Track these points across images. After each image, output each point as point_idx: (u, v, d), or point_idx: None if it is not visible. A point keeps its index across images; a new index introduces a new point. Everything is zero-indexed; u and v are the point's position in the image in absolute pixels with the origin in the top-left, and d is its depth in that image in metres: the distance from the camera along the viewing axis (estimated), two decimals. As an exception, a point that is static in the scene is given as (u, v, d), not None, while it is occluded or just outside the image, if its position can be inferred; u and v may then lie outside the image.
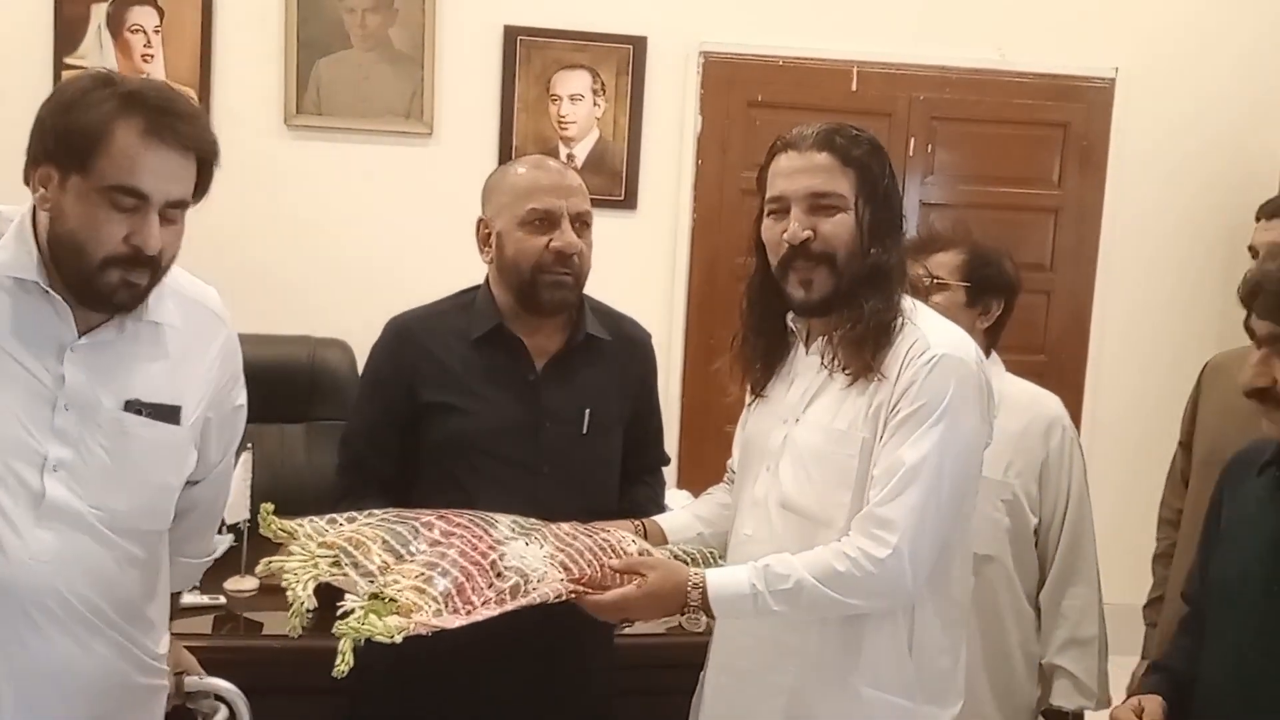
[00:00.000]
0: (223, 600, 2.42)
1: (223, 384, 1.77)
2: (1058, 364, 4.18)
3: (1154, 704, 1.70)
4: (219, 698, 1.88)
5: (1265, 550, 1.62)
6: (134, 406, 1.62)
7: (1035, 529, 2.32)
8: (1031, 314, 4.18)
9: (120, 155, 1.51)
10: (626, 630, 2.34)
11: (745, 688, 1.84)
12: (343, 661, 1.45)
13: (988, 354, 2.39)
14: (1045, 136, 4.18)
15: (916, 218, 4.12)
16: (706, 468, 2.19)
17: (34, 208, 1.59)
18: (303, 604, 1.49)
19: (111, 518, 1.60)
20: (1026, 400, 2.35)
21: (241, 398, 1.82)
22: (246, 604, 2.43)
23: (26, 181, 1.59)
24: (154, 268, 1.57)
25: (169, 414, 1.65)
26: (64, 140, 1.51)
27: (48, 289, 1.57)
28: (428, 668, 2.04)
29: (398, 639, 1.47)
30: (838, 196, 1.76)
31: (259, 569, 1.61)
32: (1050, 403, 2.37)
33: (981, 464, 1.81)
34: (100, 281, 1.54)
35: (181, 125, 1.55)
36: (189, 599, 2.29)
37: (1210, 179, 4.18)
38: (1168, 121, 4.15)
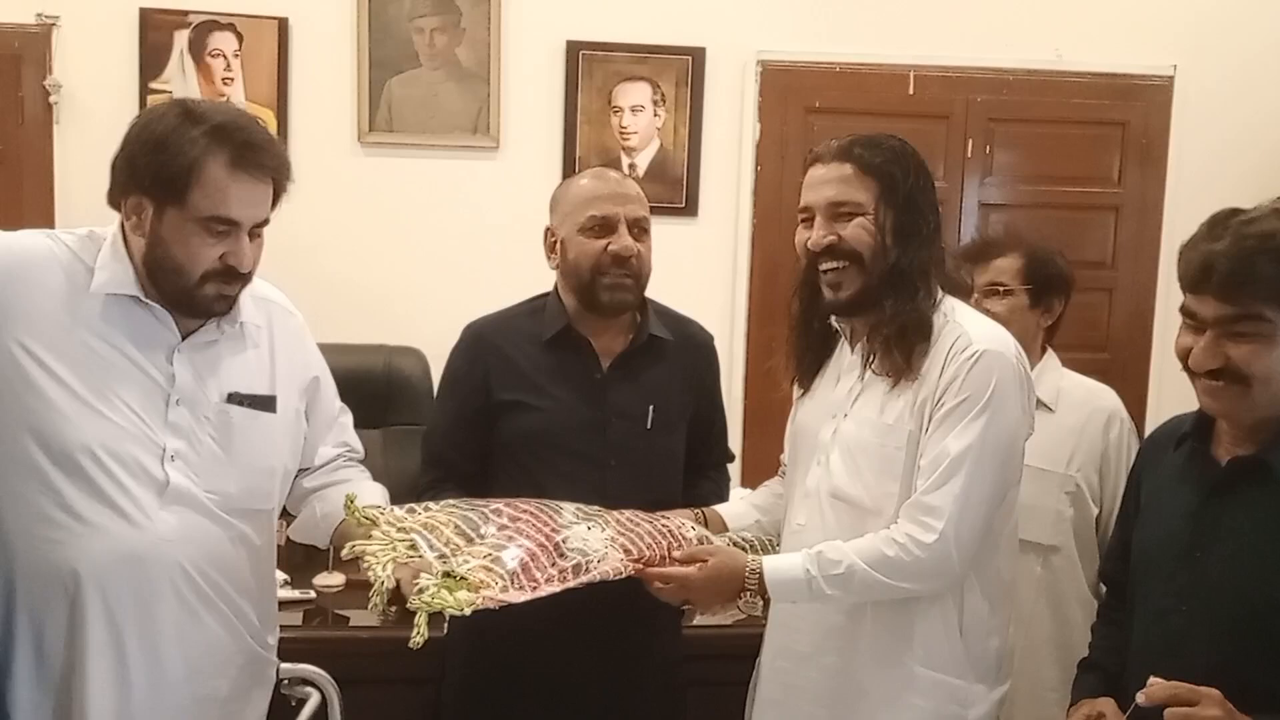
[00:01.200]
0: (312, 595, 2.54)
1: (306, 362, 1.93)
2: (1120, 362, 4.18)
3: (1109, 706, 1.73)
4: (311, 684, 1.99)
5: (1183, 517, 1.66)
6: (235, 398, 1.78)
7: (1096, 519, 2.38)
8: (1093, 312, 4.19)
9: (212, 189, 1.66)
10: (697, 622, 2.43)
11: (800, 670, 1.93)
12: (418, 633, 1.56)
13: (1043, 351, 2.45)
14: (1104, 135, 4.18)
15: (976, 219, 4.16)
16: (769, 468, 2.26)
17: (122, 227, 1.74)
18: (383, 583, 1.60)
19: (224, 500, 1.75)
20: (1085, 394, 2.41)
21: (317, 370, 1.96)
22: (335, 599, 2.56)
23: (114, 205, 1.74)
24: (245, 279, 1.75)
25: (266, 403, 1.82)
26: (159, 178, 1.66)
27: (147, 302, 1.72)
28: (505, 657, 2.14)
29: (467, 611, 1.59)
30: (854, 204, 1.85)
31: (345, 552, 1.73)
32: (1108, 396, 2.42)
33: (1023, 453, 1.87)
34: (199, 295, 1.71)
35: (262, 156, 1.70)
36: (281, 594, 2.41)
37: (1271, 173, 4.14)
38: (1227, 117, 4.14)
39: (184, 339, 1.76)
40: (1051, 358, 2.46)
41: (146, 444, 1.70)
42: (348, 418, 2.04)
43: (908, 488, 1.82)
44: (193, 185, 1.66)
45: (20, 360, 1.65)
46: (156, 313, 1.74)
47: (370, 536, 1.70)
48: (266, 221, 1.76)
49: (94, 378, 1.68)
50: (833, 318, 1.97)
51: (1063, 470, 2.34)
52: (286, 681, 1.96)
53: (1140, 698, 1.50)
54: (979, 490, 1.77)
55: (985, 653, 1.87)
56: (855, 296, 1.86)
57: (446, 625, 2.26)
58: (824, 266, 1.87)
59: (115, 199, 1.73)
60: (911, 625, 1.84)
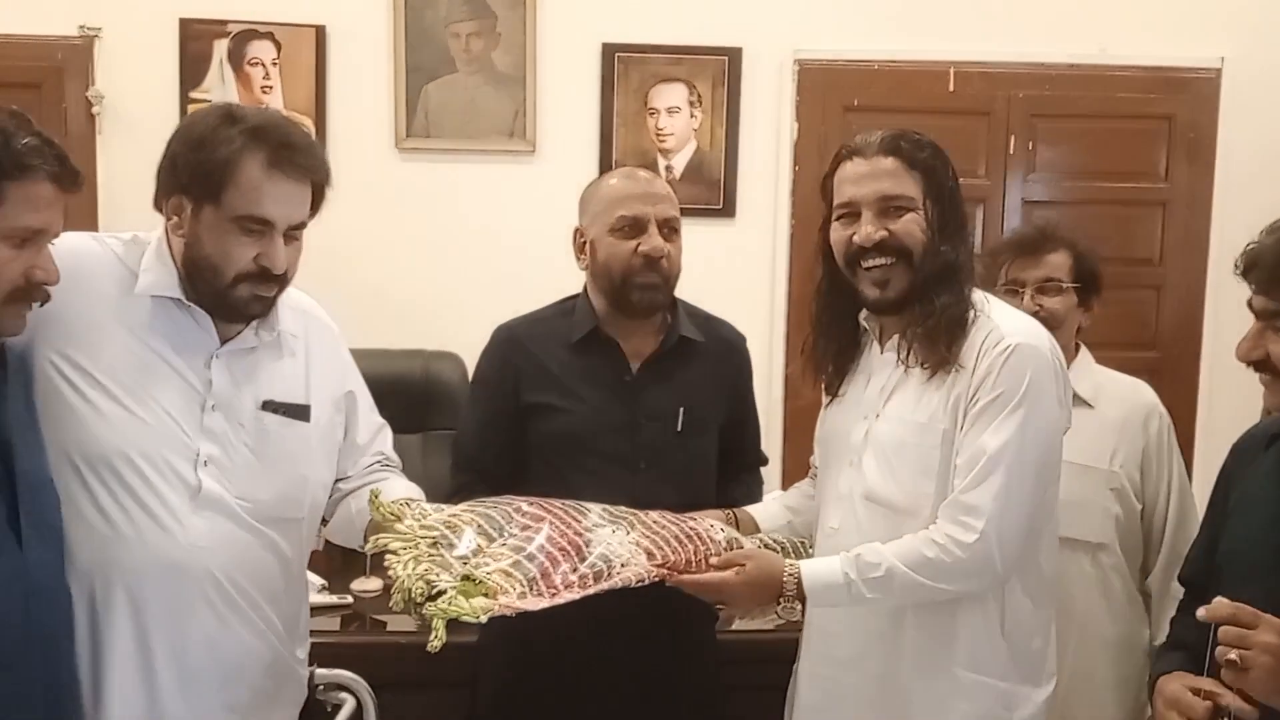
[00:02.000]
0: (349, 600, 2.55)
1: (341, 375, 1.93)
2: (1170, 360, 4.10)
3: (1206, 683, 1.68)
4: (346, 689, 1.99)
5: (1276, 521, 1.61)
6: (270, 406, 1.78)
7: (1140, 514, 2.35)
8: (1141, 309, 4.12)
9: (248, 188, 1.67)
10: (735, 626, 2.40)
11: (840, 675, 1.90)
12: (435, 637, 1.55)
13: (1077, 349, 2.41)
14: (1150, 130, 4.10)
15: (1019, 216, 4.09)
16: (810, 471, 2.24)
17: (166, 230, 1.75)
18: (403, 581, 1.59)
19: (256, 507, 1.75)
20: (1123, 390, 2.38)
21: (352, 384, 1.96)
22: (371, 604, 2.56)
23: (158, 208, 1.76)
24: (280, 282, 1.75)
25: (301, 412, 1.82)
26: (196, 175, 1.67)
27: (189, 304, 1.73)
28: (539, 661, 2.13)
29: (483, 619, 1.57)
30: (906, 199, 1.82)
31: (368, 546, 1.73)
32: (1145, 391, 2.40)
33: (1061, 447, 1.84)
34: (233, 296, 1.72)
35: (299, 157, 1.71)
36: (318, 599, 2.42)
37: (1324, 166, 4.06)
38: (1276, 109, 4.04)
39: (222, 345, 1.77)
40: (1086, 355, 2.43)
41: (180, 448, 1.71)
42: (387, 432, 2.04)
43: (944, 487, 1.78)
44: (228, 183, 1.67)
45: (59, 364, 1.67)
46: (197, 316, 1.75)
47: (394, 531, 1.69)
48: (304, 224, 1.76)
49: (132, 381, 1.69)
50: (861, 317, 1.94)
51: (1106, 466, 2.32)
52: (322, 687, 1.96)
53: (1201, 612, 1.47)
54: (1019, 487, 1.74)
55: (1029, 653, 1.84)
56: (903, 293, 1.83)
57: (479, 630, 2.26)
58: (870, 263, 1.83)
59: (159, 201, 1.75)
60: (954, 627, 1.81)
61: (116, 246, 1.77)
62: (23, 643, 1.54)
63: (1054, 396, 1.79)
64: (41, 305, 1.60)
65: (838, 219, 1.88)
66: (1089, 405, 2.31)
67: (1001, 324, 1.80)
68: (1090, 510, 2.29)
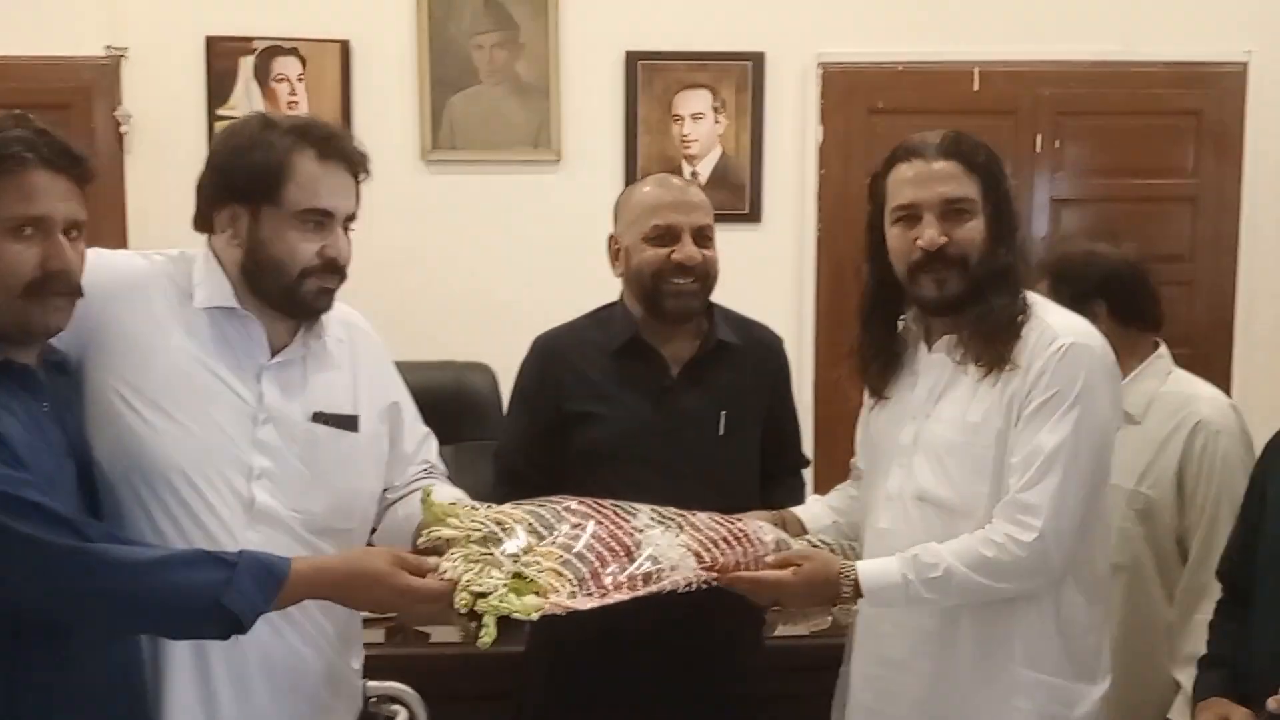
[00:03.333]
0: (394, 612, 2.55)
1: (385, 386, 1.94)
2: (1202, 356, 4.05)
3: (1240, 715, 1.67)
4: (398, 701, 2.00)
5: None
6: (320, 418, 1.78)
7: (1178, 534, 2.26)
8: (1172, 306, 4.01)
9: (305, 182, 1.70)
10: (776, 633, 2.40)
11: (893, 675, 1.90)
12: (486, 634, 1.54)
13: (1154, 348, 2.34)
14: (1177, 125, 4.08)
15: (1047, 215, 4.09)
16: (843, 475, 2.23)
17: (210, 245, 1.77)
18: (454, 580, 1.58)
19: (308, 519, 1.75)
20: (1175, 403, 2.28)
21: (397, 395, 1.96)
22: (417, 616, 2.55)
23: (203, 226, 1.76)
24: (342, 274, 1.77)
25: (349, 423, 1.82)
26: (250, 180, 1.69)
27: (245, 313, 1.74)
28: (584, 669, 2.13)
29: (534, 617, 1.57)
30: (969, 201, 1.83)
31: (421, 540, 1.72)
32: (1200, 406, 2.28)
33: (1113, 445, 1.84)
34: (301, 292, 1.73)
35: (345, 146, 1.75)
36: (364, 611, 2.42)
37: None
38: (1305, 102, 4.03)
39: (272, 357, 1.77)
40: (1155, 362, 2.34)
41: (234, 463, 1.71)
42: (432, 440, 2.04)
43: (998, 487, 1.79)
44: (286, 181, 1.69)
45: (114, 383, 1.67)
46: (251, 329, 1.75)
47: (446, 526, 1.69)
48: (354, 216, 1.79)
49: (185, 397, 1.69)
50: (906, 317, 1.94)
51: (1131, 486, 2.24)
52: (374, 699, 1.97)
53: (1272, 704, 1.48)
54: (1075, 486, 1.74)
55: (1085, 649, 1.84)
56: (959, 294, 1.83)
57: (523, 639, 2.26)
58: (930, 267, 1.83)
59: (205, 217, 1.75)
60: (1010, 626, 1.81)
61: (163, 263, 1.77)
62: (109, 641, 1.57)
63: (1108, 395, 1.80)
64: (75, 299, 1.58)
65: (896, 221, 1.87)
66: (1135, 421, 2.25)
67: (1054, 324, 1.81)
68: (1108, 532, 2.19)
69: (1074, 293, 2.23)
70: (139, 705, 1.64)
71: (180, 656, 1.68)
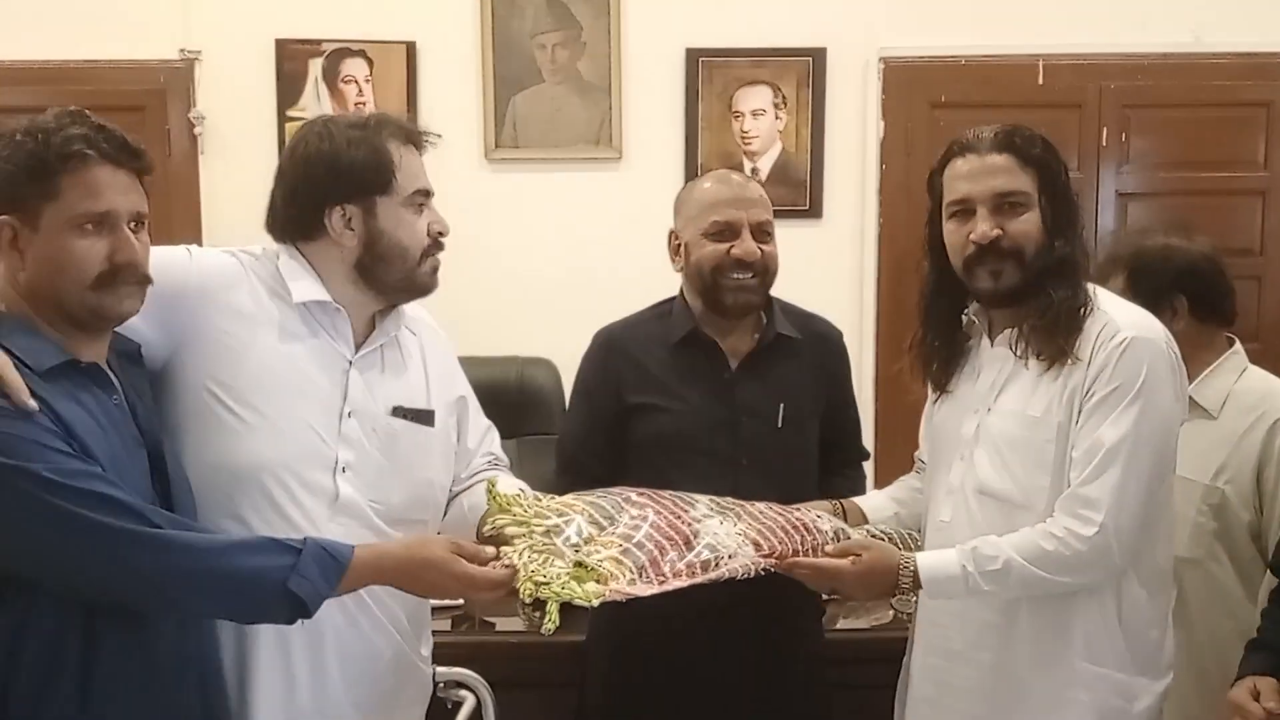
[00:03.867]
0: (460, 600, 2.59)
1: (453, 381, 1.98)
2: (1272, 351, 3.95)
3: (1268, 685, 1.70)
4: (466, 687, 2.04)
5: None
6: (399, 412, 1.83)
7: (1254, 530, 2.23)
8: (1242, 300, 3.94)
9: (408, 168, 1.78)
10: (840, 625, 2.41)
11: (952, 666, 1.90)
12: (549, 620, 1.58)
13: (1230, 344, 2.32)
14: (1247, 117, 4.00)
15: (1114, 209, 4.03)
16: (903, 469, 2.23)
17: (298, 248, 1.81)
18: (517, 570, 1.61)
19: (387, 510, 1.79)
20: (1253, 400, 2.26)
21: (463, 390, 2.00)
22: (482, 604, 2.59)
23: (308, 234, 1.79)
24: (443, 247, 1.84)
25: (426, 417, 1.86)
26: (361, 176, 1.75)
27: (338, 306, 1.79)
28: (645, 659, 2.16)
29: (595, 603, 1.60)
30: (1023, 195, 1.82)
31: (486, 528, 1.75)
32: (1275, 400, 2.25)
33: (1177, 439, 1.82)
34: (419, 273, 1.82)
35: (418, 130, 1.83)
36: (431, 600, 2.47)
37: None
38: (1379, 91, 3.94)
39: (356, 352, 1.81)
40: (1231, 358, 2.31)
41: (320, 458, 1.75)
42: (494, 433, 2.08)
43: (1059, 480, 1.78)
44: (394, 171, 1.76)
45: (206, 381, 1.71)
46: (339, 323, 1.80)
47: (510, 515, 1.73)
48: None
49: (275, 394, 1.73)
50: (969, 311, 1.94)
51: (1207, 481, 2.22)
52: (442, 685, 2.01)
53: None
54: (1136, 480, 1.74)
55: (1147, 644, 1.83)
56: (1016, 287, 1.83)
57: (587, 629, 2.30)
58: (985, 259, 1.83)
59: (310, 223, 1.78)
60: (1070, 619, 1.81)
61: (251, 261, 1.81)
62: (180, 625, 1.61)
63: (1170, 389, 1.79)
64: (145, 287, 1.61)
65: (951, 216, 1.88)
66: (1211, 416, 2.23)
67: (1116, 317, 1.80)
68: (1179, 524, 2.13)
69: (1152, 287, 2.21)
70: (214, 690, 1.68)
71: (265, 642, 1.72)
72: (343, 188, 1.76)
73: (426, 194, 1.81)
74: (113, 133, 1.57)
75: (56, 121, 1.54)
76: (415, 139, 1.81)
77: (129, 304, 1.60)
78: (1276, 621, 1.83)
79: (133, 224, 1.58)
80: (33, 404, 1.45)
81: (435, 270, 1.83)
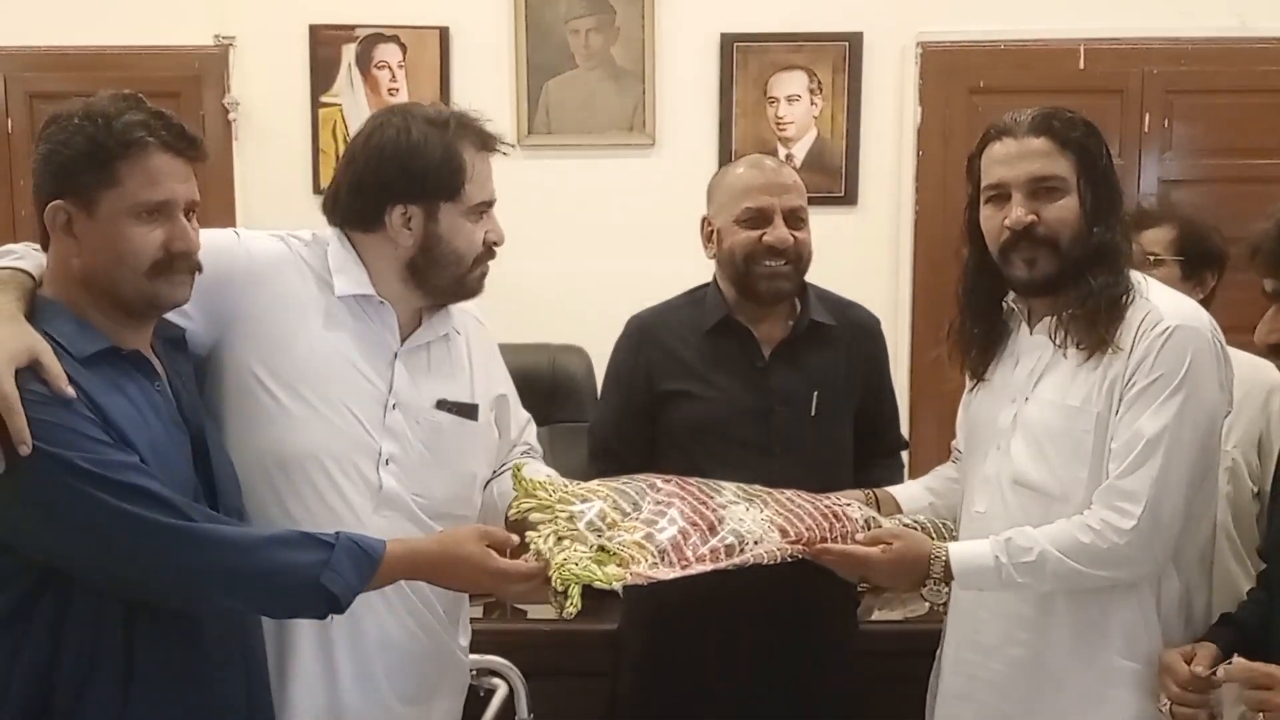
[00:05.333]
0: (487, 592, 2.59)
1: (495, 376, 1.97)
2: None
3: (1206, 650, 1.68)
4: (498, 675, 2.03)
5: None
6: (444, 405, 1.81)
7: (1255, 494, 2.28)
8: None
9: (479, 177, 1.75)
10: (874, 618, 2.38)
11: (985, 660, 1.87)
12: (571, 603, 1.56)
13: None
14: (1293, 103, 3.94)
15: (1156, 196, 3.97)
16: (940, 459, 2.20)
17: (347, 236, 1.79)
18: (544, 555, 1.61)
19: (430, 504, 1.78)
20: (1243, 370, 2.28)
21: (503, 388, 1.99)
22: (514, 594, 2.59)
23: (366, 226, 1.77)
24: (494, 256, 1.82)
25: (470, 411, 1.85)
26: (433, 180, 1.72)
27: (382, 300, 1.77)
28: (679, 650, 2.15)
29: (615, 586, 1.59)
30: (1059, 179, 1.78)
31: (512, 512, 1.75)
32: (1267, 370, 2.31)
33: (1221, 432, 1.78)
34: (470, 279, 1.80)
35: (494, 136, 1.79)
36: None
37: None
38: None
39: (402, 344, 1.80)
40: None
41: (365, 449, 1.74)
42: (532, 425, 2.07)
43: (1097, 472, 1.74)
44: (465, 178, 1.73)
45: (253, 367, 1.70)
46: (385, 316, 1.78)
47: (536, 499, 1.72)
48: None
49: (320, 383, 1.72)
50: (1009, 298, 1.90)
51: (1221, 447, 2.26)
52: (474, 673, 2.00)
53: (1220, 672, 1.54)
54: (1178, 473, 1.69)
55: (1187, 641, 1.78)
56: (1051, 276, 1.80)
57: (619, 618, 2.28)
58: (1020, 246, 1.80)
59: (370, 217, 1.76)
60: (1107, 614, 1.77)
61: (300, 247, 1.79)
62: (223, 619, 1.61)
63: (1215, 380, 1.74)
64: (194, 274, 1.60)
65: (987, 201, 1.84)
66: None
67: (1160, 305, 1.76)
68: None
69: (1200, 251, 2.35)
70: (257, 684, 1.68)
71: (305, 635, 1.72)
72: (411, 188, 1.73)
73: (490, 204, 1.79)
74: (170, 120, 1.56)
75: (115, 107, 1.53)
76: (491, 145, 1.78)
77: (182, 292, 1.59)
78: (1254, 601, 1.80)
79: (188, 212, 1.58)
80: (71, 391, 1.44)
81: (484, 276, 1.81)
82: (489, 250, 1.80)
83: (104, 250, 1.53)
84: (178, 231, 1.55)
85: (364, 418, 1.74)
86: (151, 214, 1.53)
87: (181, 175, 1.56)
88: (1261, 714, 1.49)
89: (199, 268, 1.60)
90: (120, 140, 1.50)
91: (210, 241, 1.66)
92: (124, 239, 1.52)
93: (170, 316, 1.65)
